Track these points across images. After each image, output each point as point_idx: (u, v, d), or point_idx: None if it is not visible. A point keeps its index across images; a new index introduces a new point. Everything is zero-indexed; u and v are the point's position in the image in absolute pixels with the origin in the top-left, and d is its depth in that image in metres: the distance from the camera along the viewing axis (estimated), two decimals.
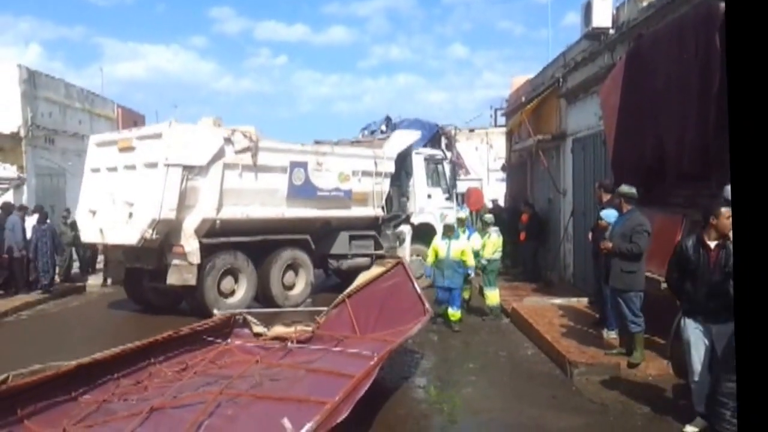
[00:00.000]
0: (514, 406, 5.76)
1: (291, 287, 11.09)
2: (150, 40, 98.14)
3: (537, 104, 13.34)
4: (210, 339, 6.59)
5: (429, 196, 13.42)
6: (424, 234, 12.64)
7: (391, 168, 12.41)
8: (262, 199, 10.42)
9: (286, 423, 3.68)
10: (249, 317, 6.99)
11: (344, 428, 4.02)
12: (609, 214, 6.96)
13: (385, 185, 12.34)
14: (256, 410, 4.65)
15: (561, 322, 8.33)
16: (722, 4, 6.23)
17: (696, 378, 4.89)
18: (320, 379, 5.36)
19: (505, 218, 14.88)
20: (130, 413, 4.66)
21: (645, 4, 8.55)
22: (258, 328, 6.87)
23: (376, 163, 12.09)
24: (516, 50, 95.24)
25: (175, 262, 9.56)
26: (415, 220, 12.95)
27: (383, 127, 15.71)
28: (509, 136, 17.32)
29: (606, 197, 7.60)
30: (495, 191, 21.27)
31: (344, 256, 11.83)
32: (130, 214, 9.52)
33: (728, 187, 5.48)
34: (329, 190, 11.31)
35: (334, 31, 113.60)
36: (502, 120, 21.04)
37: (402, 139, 12.93)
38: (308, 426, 3.74)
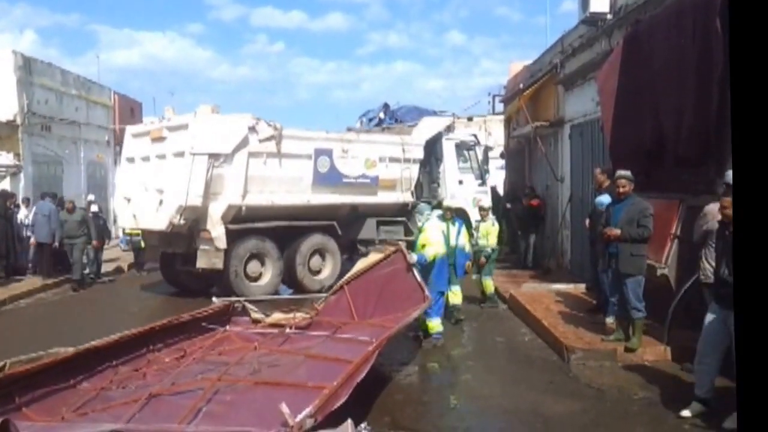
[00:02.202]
0: (511, 391, 5.79)
1: (318, 272, 11.25)
2: (146, 27, 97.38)
3: (535, 91, 13.29)
4: (208, 326, 6.59)
5: (460, 182, 13.40)
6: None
7: (419, 154, 12.47)
8: (288, 186, 10.70)
9: (284, 408, 3.66)
10: (248, 304, 7.01)
11: (342, 413, 4.01)
12: (602, 200, 6.97)
13: (414, 171, 12.38)
14: (255, 396, 4.66)
15: (558, 308, 8.34)
16: None
17: (701, 361, 4.89)
18: (318, 365, 5.38)
19: (504, 205, 14.88)
20: (128, 400, 4.67)
21: None
22: (256, 315, 6.88)
23: (404, 150, 12.17)
24: (514, 37, 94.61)
25: (203, 246, 10.03)
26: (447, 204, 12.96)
27: (381, 115, 15.70)
28: (507, 123, 17.29)
29: (607, 183, 7.57)
30: (494, 178, 21.20)
31: (372, 242, 11.87)
32: (161, 201, 10.00)
33: (728, 173, 5.49)
34: (355, 176, 11.46)
35: (331, 18, 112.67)
36: (500, 107, 20.99)
37: (431, 125, 13.13)
38: (306, 411, 3.74)
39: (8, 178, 14.53)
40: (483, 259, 9.41)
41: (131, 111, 23.22)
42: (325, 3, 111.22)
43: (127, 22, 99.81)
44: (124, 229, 14.22)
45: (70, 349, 5.08)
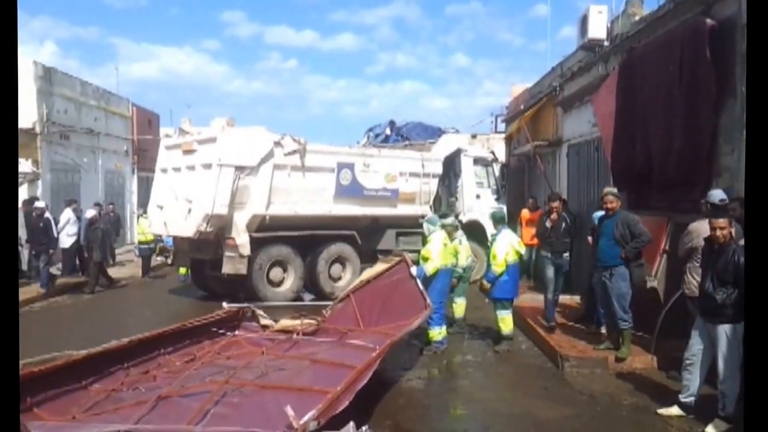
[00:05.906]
0: (507, 397, 6.02)
1: (338, 279, 11.62)
2: (163, 42, 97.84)
3: (535, 112, 13.59)
4: (218, 331, 6.78)
5: (478, 196, 13.78)
6: (474, 231, 12.63)
7: (438, 169, 12.89)
8: (310, 197, 11.12)
9: (289, 411, 3.82)
10: (257, 310, 7.19)
11: (345, 417, 4.16)
12: (597, 215, 7.24)
13: (433, 185, 12.77)
14: (261, 399, 4.81)
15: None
16: (709, 20, 6.52)
17: (686, 369, 5.14)
18: (323, 370, 5.55)
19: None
20: (138, 401, 4.77)
21: (637, 18, 8.83)
22: (265, 321, 7.07)
23: (423, 165, 12.57)
24: (516, 61, 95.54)
25: (228, 253, 10.43)
26: (464, 218, 13.11)
27: (388, 131, 16.05)
28: (508, 141, 17.57)
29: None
30: None
31: (391, 252, 12.13)
32: (189, 210, 10.43)
33: (712, 192, 5.78)
34: (376, 189, 11.87)
35: (342, 38, 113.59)
36: (502, 126, 21.27)
37: (450, 142, 13.70)
38: (310, 414, 3.90)
39: (26, 185, 14.73)
40: (454, 280, 8.37)
41: (149, 122, 23.48)
42: (337, 23, 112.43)
43: (145, 37, 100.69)
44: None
45: (82, 351, 5.19)
